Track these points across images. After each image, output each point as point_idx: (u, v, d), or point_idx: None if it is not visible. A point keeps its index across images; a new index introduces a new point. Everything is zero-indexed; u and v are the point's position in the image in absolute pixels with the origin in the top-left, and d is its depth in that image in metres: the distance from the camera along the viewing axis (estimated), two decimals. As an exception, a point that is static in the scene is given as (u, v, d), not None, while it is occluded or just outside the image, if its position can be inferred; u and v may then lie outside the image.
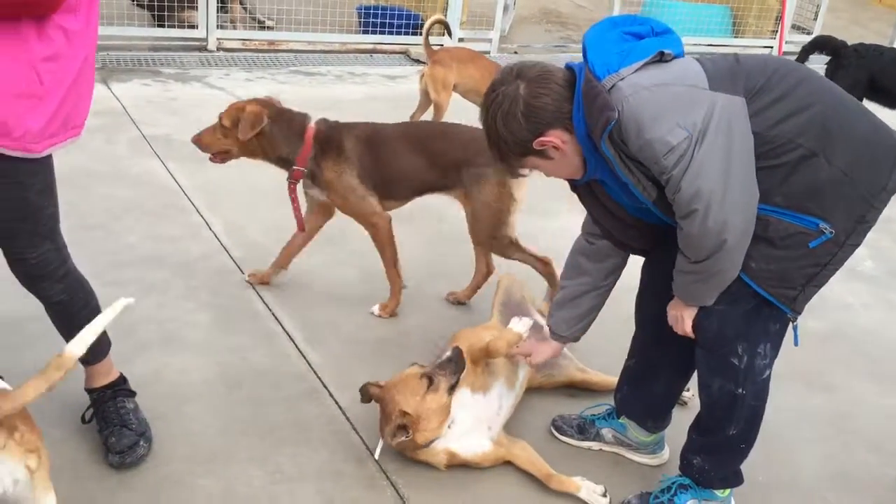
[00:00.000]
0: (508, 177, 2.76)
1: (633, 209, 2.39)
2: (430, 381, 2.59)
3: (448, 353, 2.68)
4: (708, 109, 2.07)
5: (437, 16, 5.74)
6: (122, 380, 2.77)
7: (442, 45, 6.44)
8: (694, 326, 2.38)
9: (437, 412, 2.60)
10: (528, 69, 2.21)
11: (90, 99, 2.38)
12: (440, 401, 2.59)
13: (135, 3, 7.78)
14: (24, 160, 2.22)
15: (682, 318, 2.38)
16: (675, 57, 2.19)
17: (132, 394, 2.77)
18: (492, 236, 3.46)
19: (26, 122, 2.16)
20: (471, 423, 2.70)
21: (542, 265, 3.57)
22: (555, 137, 2.21)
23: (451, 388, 2.62)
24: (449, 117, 5.74)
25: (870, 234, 5.03)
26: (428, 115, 5.70)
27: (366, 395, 2.69)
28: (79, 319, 2.59)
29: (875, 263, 4.72)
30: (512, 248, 3.50)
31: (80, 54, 2.24)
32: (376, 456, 2.68)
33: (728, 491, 2.63)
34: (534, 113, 2.18)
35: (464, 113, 5.89)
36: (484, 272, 3.74)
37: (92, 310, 2.58)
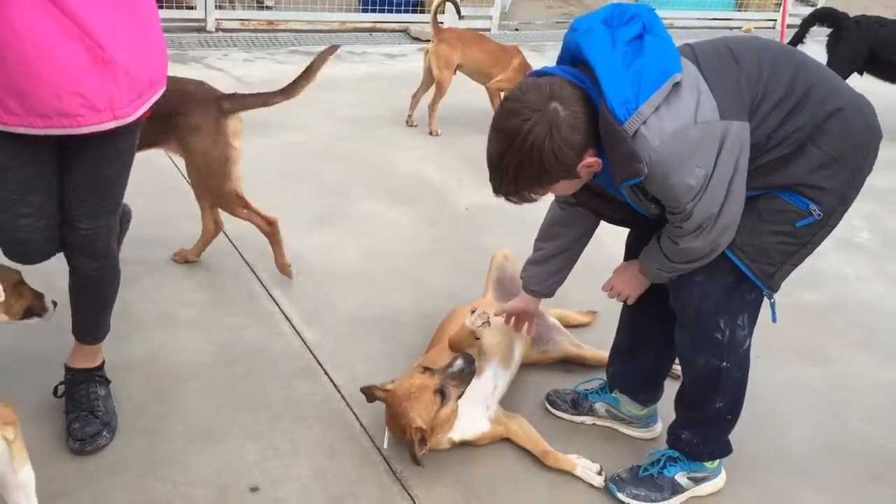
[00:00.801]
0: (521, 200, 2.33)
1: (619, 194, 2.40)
2: (443, 395, 2.58)
3: (459, 363, 2.63)
4: (720, 142, 2.13)
5: None
6: (101, 366, 2.81)
7: (442, 22, 6.41)
8: (675, 305, 2.44)
9: (449, 419, 2.63)
10: (559, 90, 2.08)
11: (164, 52, 2.46)
12: (450, 410, 2.61)
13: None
14: (113, 132, 2.31)
15: (631, 295, 2.57)
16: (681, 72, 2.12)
17: (107, 381, 2.80)
18: (215, 190, 3.40)
19: (107, 90, 2.23)
20: (468, 407, 2.71)
21: (267, 225, 3.53)
22: (591, 157, 2.15)
23: (460, 395, 2.63)
24: (456, 96, 5.76)
25: (867, 206, 5.12)
26: (468, 99, 5.71)
27: (370, 396, 2.67)
28: (94, 299, 2.71)
29: (872, 235, 4.72)
30: (238, 204, 3.45)
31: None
32: (385, 447, 2.70)
33: (717, 462, 2.65)
34: (578, 133, 2.09)
35: (471, 94, 5.92)
36: (212, 230, 3.68)
37: (109, 294, 2.70)
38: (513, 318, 2.93)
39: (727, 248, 2.28)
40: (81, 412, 2.67)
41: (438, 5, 5.66)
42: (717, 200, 2.17)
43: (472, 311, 2.74)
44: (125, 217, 3.15)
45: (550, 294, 2.82)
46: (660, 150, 2.05)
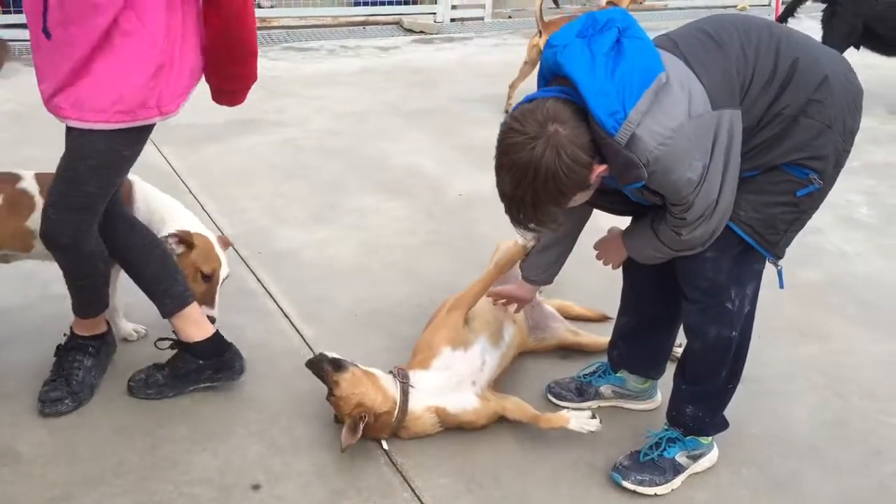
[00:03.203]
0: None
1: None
2: (331, 391, 2.65)
3: (312, 372, 2.71)
4: (714, 132, 2.17)
5: None
6: (100, 335, 2.90)
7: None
8: (683, 278, 2.48)
9: (353, 384, 2.64)
10: (553, 111, 2.07)
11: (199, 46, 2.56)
12: (345, 380, 2.64)
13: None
14: (91, 130, 2.41)
15: (615, 263, 2.68)
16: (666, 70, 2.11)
17: (98, 352, 2.89)
18: None
19: (160, 86, 2.42)
20: (455, 379, 2.75)
21: None
22: (600, 166, 2.15)
23: (337, 367, 2.67)
24: (449, 87, 5.76)
25: (866, 180, 5.11)
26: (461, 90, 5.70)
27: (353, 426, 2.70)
28: (76, 289, 2.78)
29: (871, 210, 4.71)
30: None
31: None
32: (385, 446, 2.73)
33: (710, 437, 2.68)
34: (583, 149, 2.09)
35: (463, 85, 5.93)
36: None
37: (90, 286, 2.75)
38: (501, 300, 2.97)
39: (733, 223, 2.32)
40: (59, 377, 2.79)
41: (542, 1, 5.70)
42: (715, 188, 2.21)
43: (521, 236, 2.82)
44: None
45: (549, 281, 2.84)
46: (658, 150, 2.07)
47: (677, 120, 2.09)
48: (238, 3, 2.48)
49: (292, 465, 2.64)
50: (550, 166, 2.06)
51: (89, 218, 2.57)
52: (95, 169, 2.48)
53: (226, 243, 3.10)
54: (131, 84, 2.37)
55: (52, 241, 2.59)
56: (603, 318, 3.41)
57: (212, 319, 2.90)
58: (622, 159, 2.09)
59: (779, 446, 2.84)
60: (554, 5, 6.50)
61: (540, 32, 5.73)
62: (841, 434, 2.93)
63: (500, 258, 2.97)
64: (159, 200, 2.99)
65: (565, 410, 2.76)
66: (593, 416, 2.70)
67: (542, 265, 2.78)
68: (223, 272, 2.95)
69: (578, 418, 2.70)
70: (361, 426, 2.60)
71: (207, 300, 2.93)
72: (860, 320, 3.62)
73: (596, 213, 2.69)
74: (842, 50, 6.13)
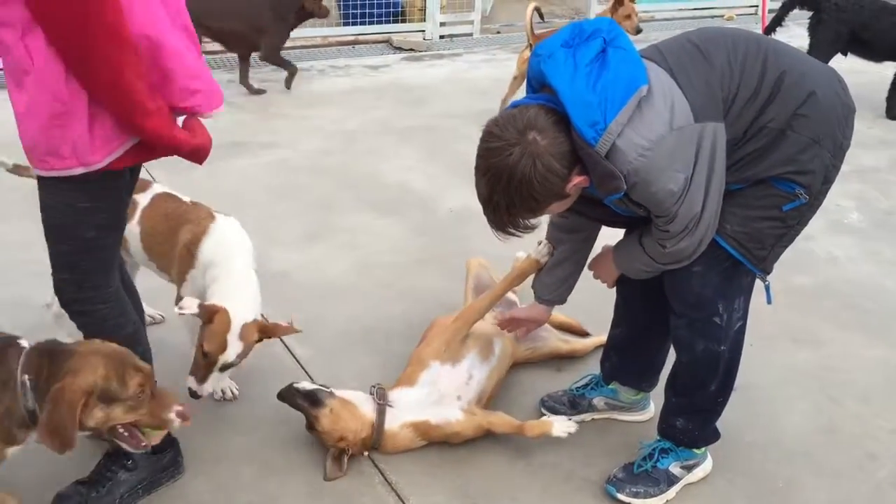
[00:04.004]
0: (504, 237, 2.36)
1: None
2: (311, 426, 2.69)
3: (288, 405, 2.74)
4: (697, 144, 2.16)
5: (533, 3, 5.80)
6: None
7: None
8: (671, 293, 2.47)
9: (332, 419, 2.66)
10: (534, 119, 2.08)
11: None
12: (324, 415, 2.66)
13: None
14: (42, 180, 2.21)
15: (608, 281, 2.67)
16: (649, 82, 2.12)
17: (142, 465, 2.58)
18: None
19: (68, 135, 2.09)
20: (437, 394, 2.76)
21: None
22: (578, 177, 2.16)
23: (314, 403, 2.69)
24: (438, 104, 5.77)
25: (856, 185, 5.12)
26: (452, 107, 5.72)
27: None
28: None
29: (861, 215, 4.72)
30: None
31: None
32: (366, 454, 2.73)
33: (704, 448, 2.68)
34: (560, 159, 2.10)
35: (453, 102, 5.93)
36: None
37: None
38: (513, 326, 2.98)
39: (720, 237, 2.31)
40: (83, 483, 2.55)
41: (531, 17, 5.73)
42: (698, 200, 2.20)
43: (539, 243, 2.78)
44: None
45: (562, 301, 2.83)
46: (638, 161, 2.08)
47: (658, 132, 2.10)
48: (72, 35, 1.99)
49: (287, 486, 2.64)
50: (525, 174, 2.07)
51: (80, 279, 2.35)
52: (52, 225, 2.29)
53: (256, 333, 2.77)
54: (30, 129, 2.11)
55: (61, 303, 2.43)
56: (584, 334, 3.42)
57: (193, 393, 2.72)
58: (602, 170, 2.09)
59: (773, 453, 2.84)
60: (540, 20, 6.54)
61: (530, 46, 5.76)
62: (835, 439, 2.93)
63: (510, 273, 2.94)
64: (224, 262, 2.83)
65: (545, 418, 2.76)
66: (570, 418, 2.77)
67: (554, 284, 2.77)
68: (224, 358, 2.71)
69: (560, 423, 2.72)
70: (346, 459, 2.64)
71: (198, 375, 2.75)
72: (852, 325, 3.62)
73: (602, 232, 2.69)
74: (828, 57, 6.17)
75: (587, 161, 2.11)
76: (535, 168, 2.06)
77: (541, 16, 6.21)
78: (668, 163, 2.12)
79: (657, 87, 2.12)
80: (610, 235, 2.64)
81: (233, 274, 2.82)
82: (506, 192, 2.11)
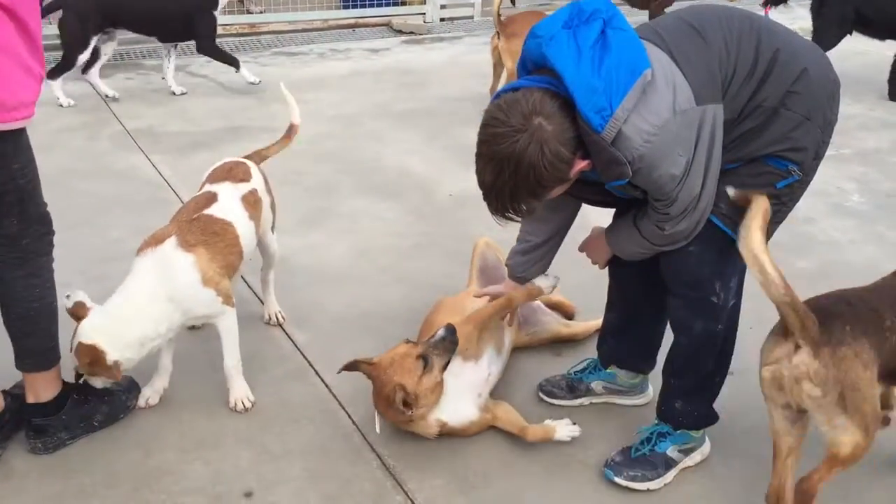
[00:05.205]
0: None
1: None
2: (426, 361, 2.58)
3: (441, 332, 2.65)
4: (698, 127, 2.17)
5: None
6: (53, 402, 2.68)
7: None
8: (667, 273, 2.49)
9: (434, 390, 2.62)
10: (539, 104, 2.06)
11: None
12: (435, 379, 2.61)
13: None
14: None
15: (600, 262, 2.69)
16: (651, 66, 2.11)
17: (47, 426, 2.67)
18: None
19: None
20: (463, 390, 2.73)
21: None
22: (581, 162, 2.16)
23: (445, 366, 2.64)
24: (437, 88, 5.75)
25: (857, 167, 5.10)
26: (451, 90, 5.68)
27: (353, 367, 2.67)
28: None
29: (862, 197, 4.68)
30: None
31: None
32: (377, 431, 2.69)
33: (702, 430, 2.68)
34: (566, 145, 2.09)
35: (451, 86, 5.91)
36: None
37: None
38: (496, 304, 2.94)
39: (715, 216, 2.32)
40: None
41: (500, 2, 5.65)
42: (698, 183, 2.22)
43: (546, 275, 2.79)
44: None
45: (533, 277, 2.83)
46: (644, 147, 2.08)
47: (663, 116, 2.09)
48: None
49: (285, 472, 2.64)
50: (533, 160, 2.06)
51: None
52: None
53: (87, 357, 2.65)
54: None
55: None
56: (571, 316, 3.41)
57: None
58: (607, 156, 2.09)
59: (769, 444, 2.83)
60: (511, 4, 6.51)
61: (498, 34, 5.68)
62: (834, 424, 2.92)
63: (516, 294, 2.87)
64: (129, 279, 2.75)
65: (548, 422, 2.74)
66: (574, 423, 2.74)
67: (530, 262, 2.78)
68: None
69: (562, 427, 2.71)
70: (404, 411, 2.56)
71: None
72: (853, 308, 3.60)
73: (584, 210, 2.69)
74: (836, 40, 6.12)
75: (592, 147, 2.11)
76: (542, 154, 2.05)
77: (512, 1, 6.15)
78: (671, 147, 2.13)
79: (659, 71, 2.12)
80: (595, 215, 2.63)
81: (125, 291, 2.73)
82: (512, 178, 2.10)
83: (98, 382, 2.74)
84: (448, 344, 2.64)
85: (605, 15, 2.13)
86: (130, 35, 7.24)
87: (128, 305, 2.69)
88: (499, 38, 5.67)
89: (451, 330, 2.66)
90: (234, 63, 6.24)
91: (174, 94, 6.16)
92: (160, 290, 2.68)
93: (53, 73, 5.70)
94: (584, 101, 2.05)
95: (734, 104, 2.23)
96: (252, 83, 6.26)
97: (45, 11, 5.61)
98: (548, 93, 2.09)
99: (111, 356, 2.62)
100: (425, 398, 2.59)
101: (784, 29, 2.37)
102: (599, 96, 2.04)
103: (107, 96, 6.01)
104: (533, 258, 2.77)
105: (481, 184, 2.18)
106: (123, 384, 2.84)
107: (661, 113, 2.09)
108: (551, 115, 2.07)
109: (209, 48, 6.17)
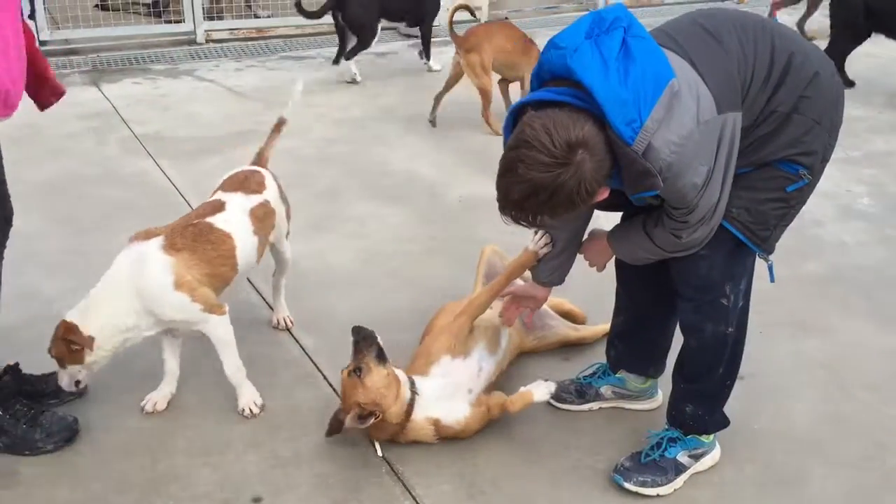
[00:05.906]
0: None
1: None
2: (358, 370, 2.62)
3: (352, 340, 2.71)
4: (719, 136, 2.18)
5: (460, 1, 5.70)
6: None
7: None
8: (677, 277, 2.48)
9: (384, 383, 2.62)
10: (587, 137, 2.04)
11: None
12: (379, 374, 2.62)
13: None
14: None
15: (599, 265, 2.68)
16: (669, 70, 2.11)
17: None
18: None
19: None
20: (452, 387, 2.74)
21: None
22: (603, 189, 2.16)
23: (380, 358, 2.66)
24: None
25: (867, 170, 5.08)
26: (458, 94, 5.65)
27: (337, 427, 2.70)
28: None
29: (873, 200, 4.66)
30: None
31: None
32: (379, 454, 2.71)
33: (713, 435, 2.67)
34: (601, 180, 2.10)
35: (459, 89, 5.89)
36: None
37: None
38: (506, 306, 2.94)
39: (725, 220, 2.33)
40: None
41: (452, 14, 5.56)
42: (717, 190, 2.23)
43: (535, 233, 2.75)
44: None
45: (560, 282, 2.80)
46: (671, 157, 2.08)
47: (687, 127, 2.10)
48: None
49: (293, 477, 2.64)
50: (570, 194, 2.06)
51: None
52: None
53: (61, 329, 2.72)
54: None
55: None
56: (583, 323, 3.39)
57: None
58: (638, 167, 2.09)
59: (782, 442, 2.83)
60: (472, 17, 6.49)
61: (458, 50, 5.57)
62: (844, 428, 2.91)
63: (509, 265, 2.92)
64: (108, 273, 2.80)
65: (523, 388, 2.77)
66: (546, 380, 2.79)
67: (552, 268, 2.75)
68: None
69: (539, 388, 2.75)
70: (370, 422, 2.59)
71: None
72: (862, 312, 3.59)
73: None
74: (854, 43, 6.03)
75: (623, 160, 2.10)
76: (579, 190, 2.06)
77: (472, 13, 6.11)
78: (694, 157, 2.13)
79: (682, 81, 2.11)
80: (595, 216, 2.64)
81: (103, 278, 2.78)
82: (545, 203, 2.09)
83: (65, 378, 2.75)
84: (362, 343, 2.68)
85: (624, 23, 2.12)
86: (135, 39, 7.30)
87: (102, 291, 2.74)
88: (459, 55, 5.56)
89: (353, 331, 2.73)
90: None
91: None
92: (130, 284, 2.72)
93: (350, 54, 6.59)
94: (614, 114, 2.04)
95: (752, 110, 2.24)
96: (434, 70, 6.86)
97: None
98: (585, 114, 2.06)
99: (88, 331, 2.66)
100: (381, 395, 2.60)
101: (792, 31, 2.40)
102: (629, 108, 2.03)
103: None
104: (555, 263, 2.74)
105: (504, 197, 2.14)
106: (53, 423, 2.75)
107: (685, 123, 2.09)
108: (595, 149, 2.05)
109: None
